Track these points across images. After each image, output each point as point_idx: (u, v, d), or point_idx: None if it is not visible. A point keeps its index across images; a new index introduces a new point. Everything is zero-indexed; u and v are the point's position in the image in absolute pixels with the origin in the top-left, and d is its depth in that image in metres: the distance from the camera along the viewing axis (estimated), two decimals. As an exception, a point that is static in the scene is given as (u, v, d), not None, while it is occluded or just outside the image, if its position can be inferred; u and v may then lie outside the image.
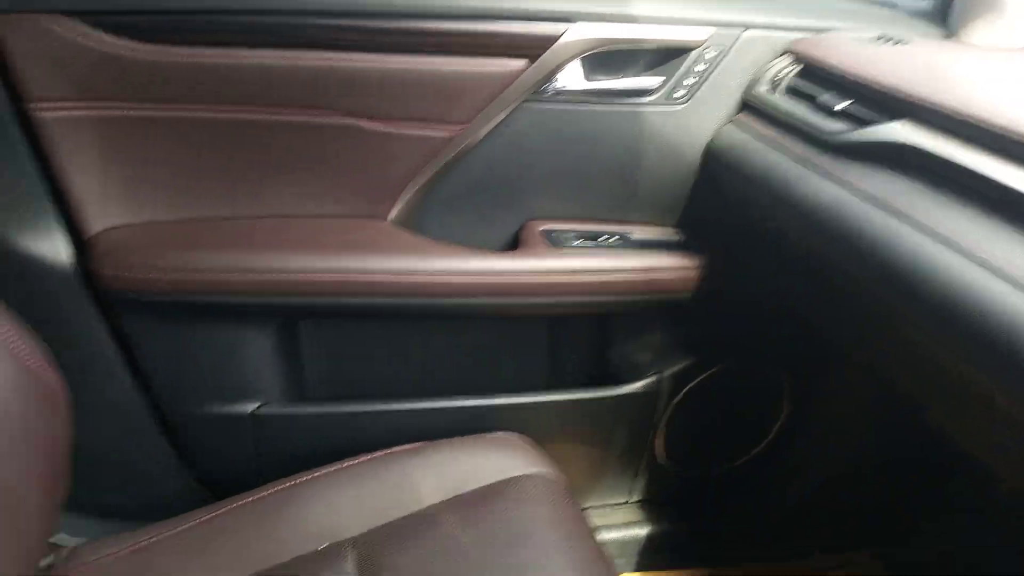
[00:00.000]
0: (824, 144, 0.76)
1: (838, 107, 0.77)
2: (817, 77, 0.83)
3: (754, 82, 0.89)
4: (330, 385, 0.97)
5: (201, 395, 0.91)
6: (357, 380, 0.97)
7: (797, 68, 0.86)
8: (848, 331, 0.89)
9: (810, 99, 0.82)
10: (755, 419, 1.12)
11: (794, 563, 1.17)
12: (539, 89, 0.86)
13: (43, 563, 0.78)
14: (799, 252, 0.81)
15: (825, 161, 0.74)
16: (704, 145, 0.90)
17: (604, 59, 0.86)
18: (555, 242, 0.91)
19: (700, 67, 0.87)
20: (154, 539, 0.79)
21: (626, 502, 1.15)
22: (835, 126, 0.76)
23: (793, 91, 0.85)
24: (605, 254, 0.91)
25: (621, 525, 1.13)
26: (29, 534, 0.72)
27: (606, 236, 0.93)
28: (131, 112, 0.78)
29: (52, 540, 0.79)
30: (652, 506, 1.14)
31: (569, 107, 0.87)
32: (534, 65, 0.83)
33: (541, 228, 0.93)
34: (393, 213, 0.90)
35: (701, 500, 1.16)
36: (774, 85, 0.87)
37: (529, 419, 0.96)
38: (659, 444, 1.07)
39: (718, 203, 0.91)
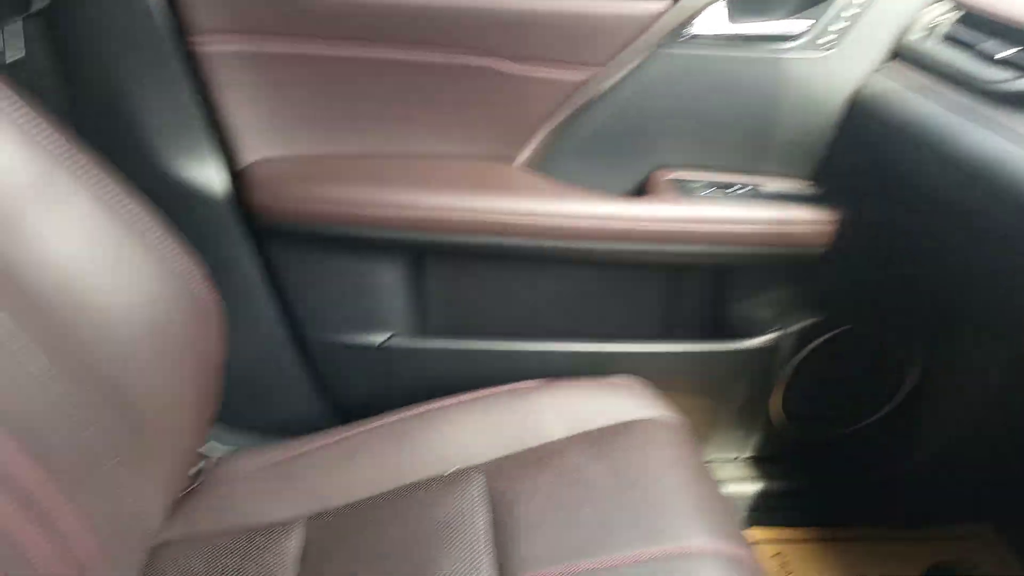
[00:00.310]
0: (987, 93, 0.72)
1: (1001, 55, 0.73)
2: (979, 24, 0.79)
3: (907, 29, 0.84)
4: (454, 321, 1.00)
5: (335, 324, 0.96)
6: (480, 318, 1.00)
7: (957, 15, 0.82)
8: (992, 294, 0.86)
9: (969, 47, 0.77)
10: (877, 383, 1.09)
11: (910, 529, 1.14)
12: (677, 33, 0.84)
13: (192, 471, 0.84)
14: (954, 209, 0.77)
15: (988, 111, 0.70)
16: (849, 94, 0.87)
17: (746, 2, 0.84)
18: (684, 191, 0.91)
19: (850, 11, 0.83)
20: (294, 454, 0.84)
21: (737, 458, 1.14)
22: (999, 74, 0.72)
23: (951, 39, 0.80)
24: (735, 205, 0.90)
25: (731, 480, 1.13)
26: (183, 441, 0.78)
27: (737, 187, 0.91)
28: (286, 48, 0.82)
29: (201, 450, 0.85)
30: (764, 464, 1.14)
31: (706, 52, 0.86)
32: (675, 7, 0.82)
33: (670, 176, 0.92)
34: (523, 156, 0.92)
35: (815, 461, 1.15)
36: (930, 32, 0.83)
37: (647, 366, 0.97)
38: (776, 402, 1.06)
39: (860, 155, 0.88)
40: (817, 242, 0.91)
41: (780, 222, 0.89)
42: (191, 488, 0.82)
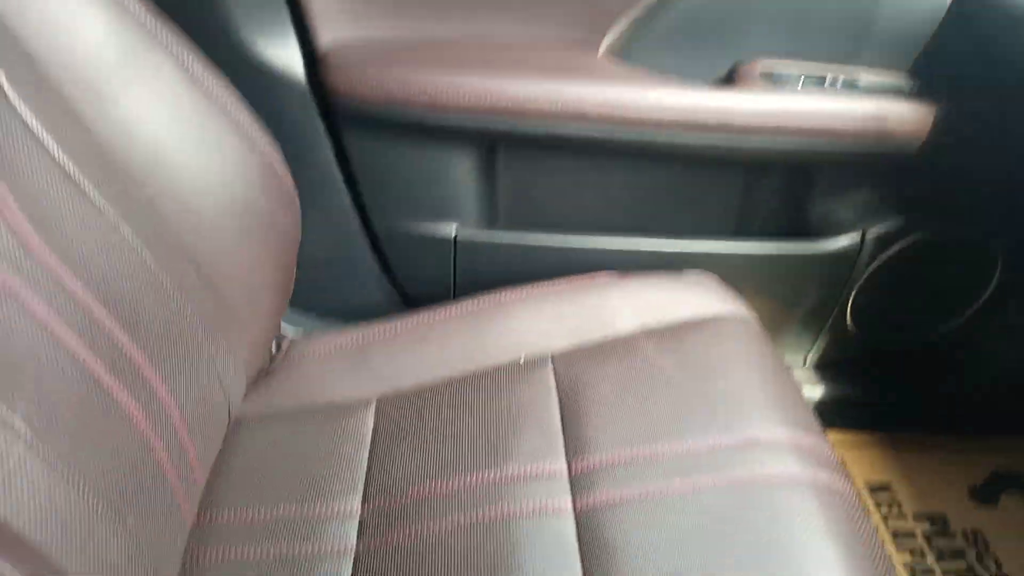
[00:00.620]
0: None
1: None
2: None
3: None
4: (525, 215, 0.99)
5: (406, 214, 0.96)
6: (551, 212, 0.98)
7: None
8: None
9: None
10: (955, 292, 1.05)
11: (975, 441, 1.13)
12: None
13: (271, 349, 0.87)
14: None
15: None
16: (961, -23, 0.80)
17: None
18: (774, 82, 0.86)
19: None
20: (366, 337, 0.85)
21: (804, 362, 1.13)
22: None
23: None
24: (828, 97, 0.85)
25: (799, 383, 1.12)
26: (262, 321, 0.80)
27: (831, 78, 0.86)
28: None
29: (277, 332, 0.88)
30: (831, 369, 1.12)
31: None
32: None
33: (761, 67, 0.88)
34: (606, 44, 0.88)
35: (883, 368, 1.13)
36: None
37: (719, 265, 0.95)
38: (850, 307, 1.03)
39: (966, 45, 0.81)
40: (912, 140, 0.86)
41: (875, 117, 0.84)
42: (268, 367, 0.85)
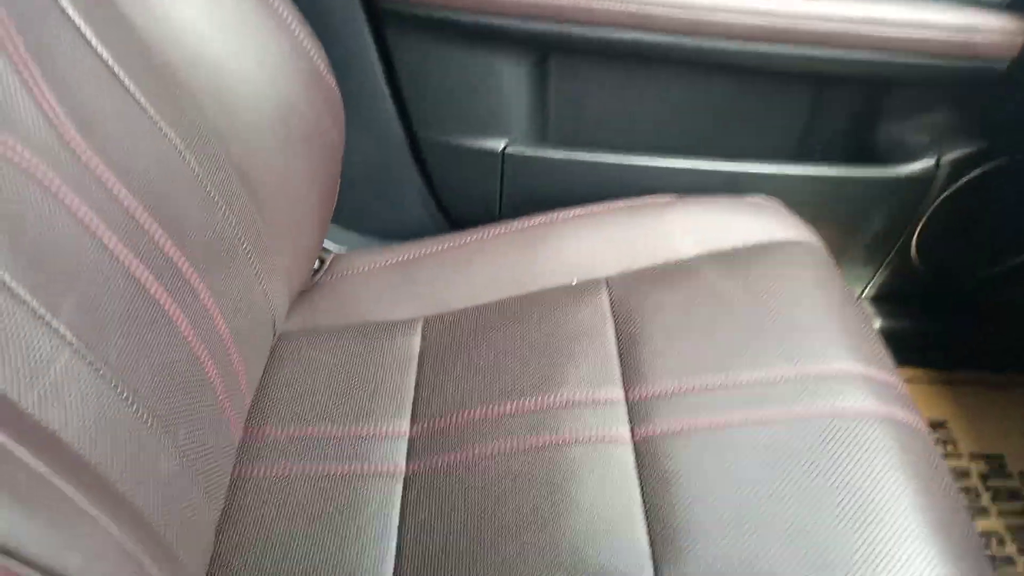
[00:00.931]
0: None
1: None
2: None
3: None
4: (578, 131, 0.94)
5: (453, 125, 0.91)
6: (606, 129, 0.93)
7: None
8: None
9: None
10: (1027, 225, 0.99)
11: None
12: None
13: (315, 265, 0.84)
14: None
15: None
16: None
17: None
18: (855, -13, 0.79)
19: None
20: (412, 255, 0.82)
21: (862, 294, 1.09)
22: None
23: None
24: (913, 5, 0.78)
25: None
26: (306, 233, 0.77)
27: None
28: None
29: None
30: (890, 302, 1.08)
31: None
32: None
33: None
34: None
35: (946, 303, 1.08)
36: None
37: (780, 189, 0.90)
38: (916, 238, 0.98)
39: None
40: (1002, 56, 0.79)
41: (964, 29, 0.78)
42: (312, 283, 0.83)
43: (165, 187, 0.57)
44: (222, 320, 0.61)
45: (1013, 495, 0.97)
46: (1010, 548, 0.92)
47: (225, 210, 0.62)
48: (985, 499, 0.97)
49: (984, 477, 0.99)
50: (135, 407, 0.48)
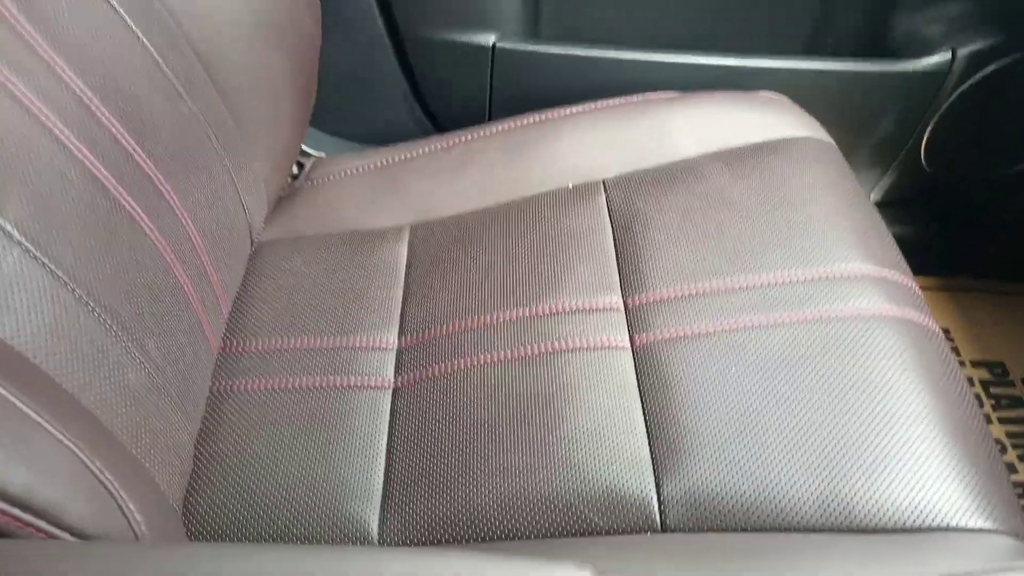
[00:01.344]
0: None
1: None
2: None
3: None
4: (573, 24, 0.87)
5: (439, 19, 0.84)
6: (602, 22, 0.87)
7: None
8: None
9: None
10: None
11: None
12: None
13: (294, 170, 0.79)
14: None
15: None
16: None
17: None
18: None
19: None
20: (397, 159, 0.78)
21: (869, 196, 1.05)
22: None
23: None
24: None
25: None
26: (282, 136, 0.72)
27: None
28: None
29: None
30: (895, 207, 1.04)
31: None
32: None
33: None
34: None
35: (949, 209, 1.05)
36: None
37: (788, 85, 0.84)
38: (926, 139, 0.94)
39: None
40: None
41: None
42: (292, 189, 0.78)
43: (121, 74, 0.51)
44: (190, 221, 0.57)
45: (1015, 402, 0.96)
46: (1011, 455, 0.91)
47: (189, 101, 0.57)
48: (987, 406, 0.96)
49: (986, 385, 0.98)
50: (96, 313, 0.44)
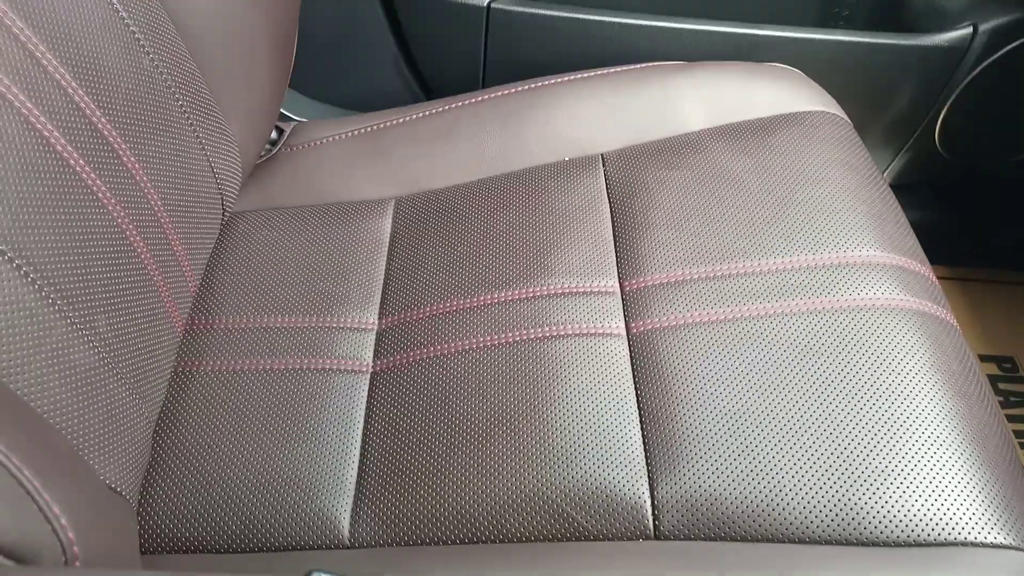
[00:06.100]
0: None
1: None
2: None
3: None
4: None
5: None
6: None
7: None
8: None
9: None
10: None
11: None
12: None
13: (272, 135, 0.74)
14: None
15: None
16: None
17: None
18: None
19: None
20: (382, 124, 0.73)
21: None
22: None
23: None
24: None
25: None
26: (259, 99, 0.67)
27: None
28: None
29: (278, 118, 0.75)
30: (905, 192, 0.99)
31: None
32: None
33: None
34: None
35: (961, 197, 1.01)
36: None
37: (800, 58, 0.80)
38: (941, 120, 0.89)
39: None
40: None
41: None
42: (269, 155, 0.73)
43: (73, 23, 0.47)
44: (152, 189, 0.52)
45: (1024, 398, 0.93)
46: (1022, 454, 0.88)
47: (153, 56, 0.52)
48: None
49: (994, 380, 0.95)
50: (36, 285, 0.40)
